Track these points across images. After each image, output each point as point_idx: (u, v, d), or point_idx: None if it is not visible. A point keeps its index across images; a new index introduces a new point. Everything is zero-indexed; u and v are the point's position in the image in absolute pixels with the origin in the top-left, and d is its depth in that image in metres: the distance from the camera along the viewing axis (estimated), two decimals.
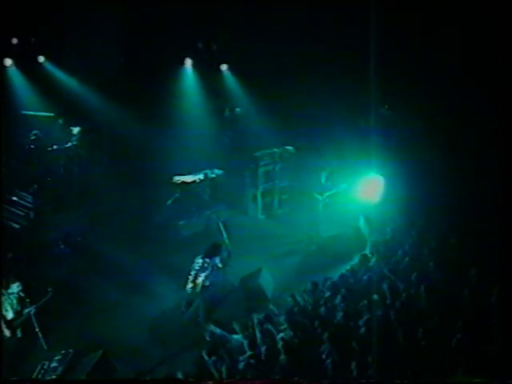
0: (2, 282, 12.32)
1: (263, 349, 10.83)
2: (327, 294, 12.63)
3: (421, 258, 13.50)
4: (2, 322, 12.19)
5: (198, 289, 13.29)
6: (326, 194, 16.73)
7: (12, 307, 12.34)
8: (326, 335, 10.78)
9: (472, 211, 14.56)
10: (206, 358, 10.88)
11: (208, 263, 13.42)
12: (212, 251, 13.67)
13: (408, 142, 18.22)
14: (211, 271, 13.39)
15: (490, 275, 11.71)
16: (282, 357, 10.57)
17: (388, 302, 11.77)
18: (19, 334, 12.41)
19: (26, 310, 12.32)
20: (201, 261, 13.46)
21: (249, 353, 10.84)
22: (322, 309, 12.03)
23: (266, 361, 10.64)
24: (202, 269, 13.36)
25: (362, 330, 10.89)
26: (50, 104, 19.41)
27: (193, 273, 13.39)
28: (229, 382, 10.20)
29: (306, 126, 18.96)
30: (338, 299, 12.17)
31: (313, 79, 18.82)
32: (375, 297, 11.70)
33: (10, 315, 12.29)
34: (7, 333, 12.15)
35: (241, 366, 10.56)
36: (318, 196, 16.77)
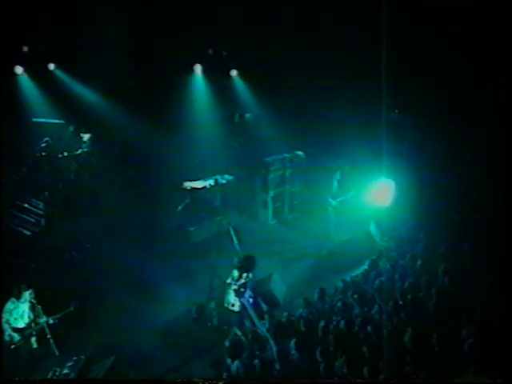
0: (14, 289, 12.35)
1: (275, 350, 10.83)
2: (338, 298, 12.61)
3: (432, 262, 13.44)
4: (12, 330, 12.13)
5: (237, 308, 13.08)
6: (338, 199, 16.73)
7: (23, 315, 12.19)
8: (331, 338, 10.77)
9: (485, 216, 14.47)
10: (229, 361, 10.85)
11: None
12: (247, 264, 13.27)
13: (419, 147, 18.15)
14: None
15: (503, 280, 11.63)
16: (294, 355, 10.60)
17: (399, 305, 11.72)
18: (34, 344, 12.32)
19: (41, 320, 12.18)
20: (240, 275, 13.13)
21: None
22: (332, 313, 12.01)
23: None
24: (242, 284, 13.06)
25: (373, 334, 10.85)
26: (60, 111, 19.44)
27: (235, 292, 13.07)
28: (229, 382, 10.16)
29: (316, 131, 18.91)
30: (349, 304, 12.15)
31: (323, 84, 18.78)
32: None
33: (21, 324, 12.16)
34: (17, 338, 12.08)
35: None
36: (332, 200, 16.76)
